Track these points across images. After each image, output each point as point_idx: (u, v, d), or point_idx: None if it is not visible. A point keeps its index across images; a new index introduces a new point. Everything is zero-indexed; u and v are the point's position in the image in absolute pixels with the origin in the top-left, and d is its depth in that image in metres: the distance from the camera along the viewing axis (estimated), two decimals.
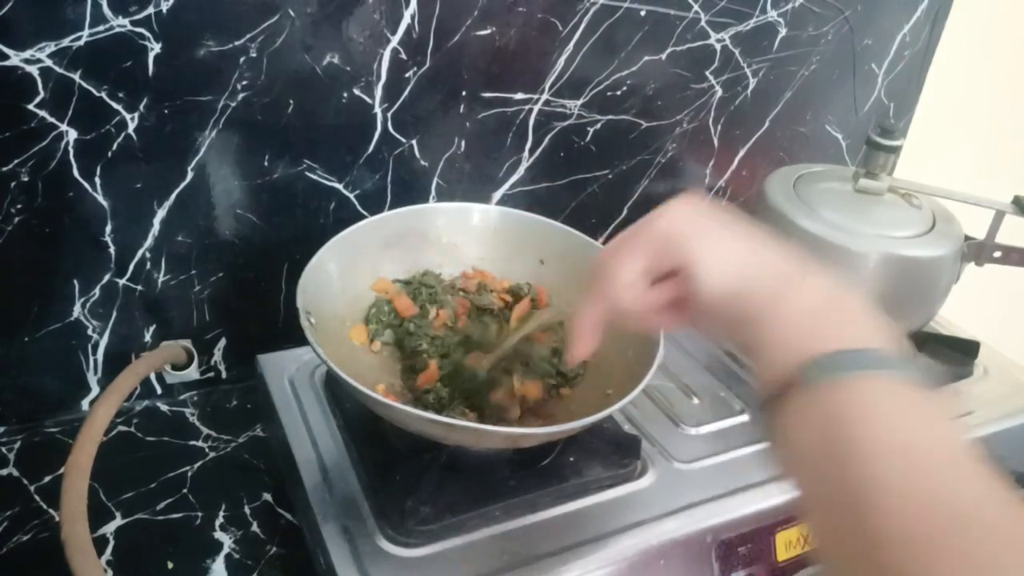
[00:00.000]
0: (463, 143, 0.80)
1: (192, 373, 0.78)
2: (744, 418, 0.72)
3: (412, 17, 0.71)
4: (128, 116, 0.65)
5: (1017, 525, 0.31)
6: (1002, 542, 0.30)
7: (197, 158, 0.69)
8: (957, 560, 0.30)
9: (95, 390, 0.76)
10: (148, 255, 0.71)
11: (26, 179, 0.64)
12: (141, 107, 0.65)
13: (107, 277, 0.71)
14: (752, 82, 0.92)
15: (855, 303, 0.41)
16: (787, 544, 0.64)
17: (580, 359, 0.51)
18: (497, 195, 0.85)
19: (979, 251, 0.77)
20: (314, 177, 0.75)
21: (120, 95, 0.64)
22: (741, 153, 0.98)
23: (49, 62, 0.60)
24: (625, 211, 0.94)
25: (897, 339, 0.39)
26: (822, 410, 0.36)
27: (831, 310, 0.40)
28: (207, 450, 0.73)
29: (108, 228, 0.69)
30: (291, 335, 0.62)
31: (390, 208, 0.79)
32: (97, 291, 0.71)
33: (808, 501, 0.37)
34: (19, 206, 0.65)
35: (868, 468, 0.33)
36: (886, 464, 0.33)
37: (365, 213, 0.78)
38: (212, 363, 0.80)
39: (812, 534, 0.36)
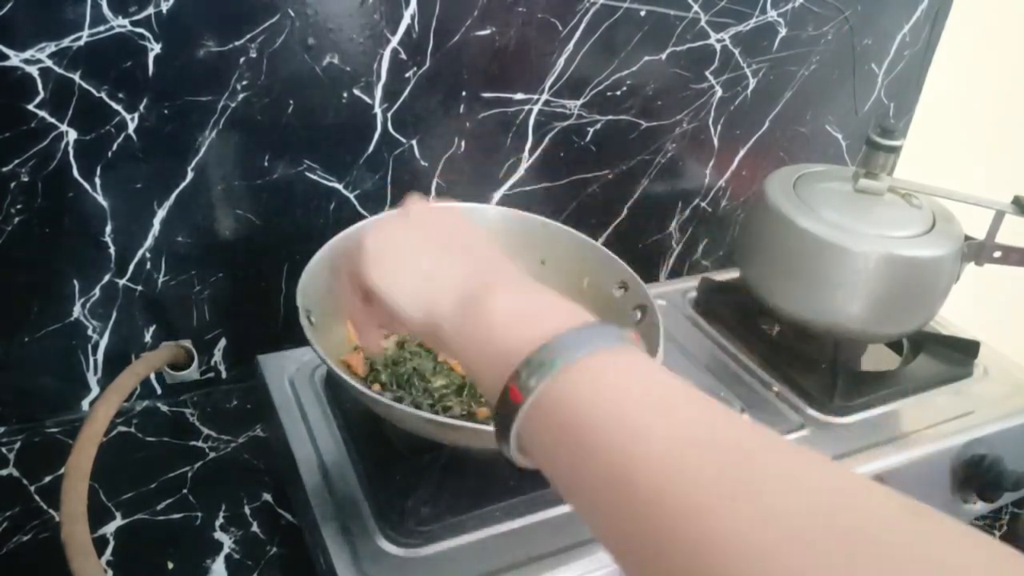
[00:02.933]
0: (463, 143, 0.80)
1: (192, 373, 0.78)
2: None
3: (412, 17, 0.71)
4: (128, 116, 0.65)
5: (788, 454, 0.29)
6: (764, 467, 0.28)
7: (197, 158, 0.69)
8: (734, 495, 0.27)
9: (95, 390, 0.76)
10: (148, 255, 0.71)
11: (26, 179, 0.64)
12: (141, 107, 0.65)
13: (107, 277, 0.71)
14: (752, 82, 0.92)
15: (549, 298, 0.39)
16: None
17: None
18: (497, 195, 0.85)
19: (979, 251, 0.77)
20: (314, 177, 0.75)
21: (120, 95, 0.64)
22: (741, 153, 0.98)
23: (49, 62, 0.60)
24: (625, 211, 0.94)
25: (585, 312, 0.37)
26: (556, 403, 0.33)
27: (525, 309, 0.38)
28: (207, 450, 0.73)
29: (108, 228, 0.69)
30: (291, 335, 0.62)
31: (390, 208, 0.79)
32: (97, 291, 0.71)
33: (582, 508, 0.34)
34: (19, 206, 0.65)
35: (621, 431, 0.31)
36: (641, 420, 0.31)
37: (365, 213, 0.78)
38: (212, 363, 0.80)
39: (593, 530, 0.33)
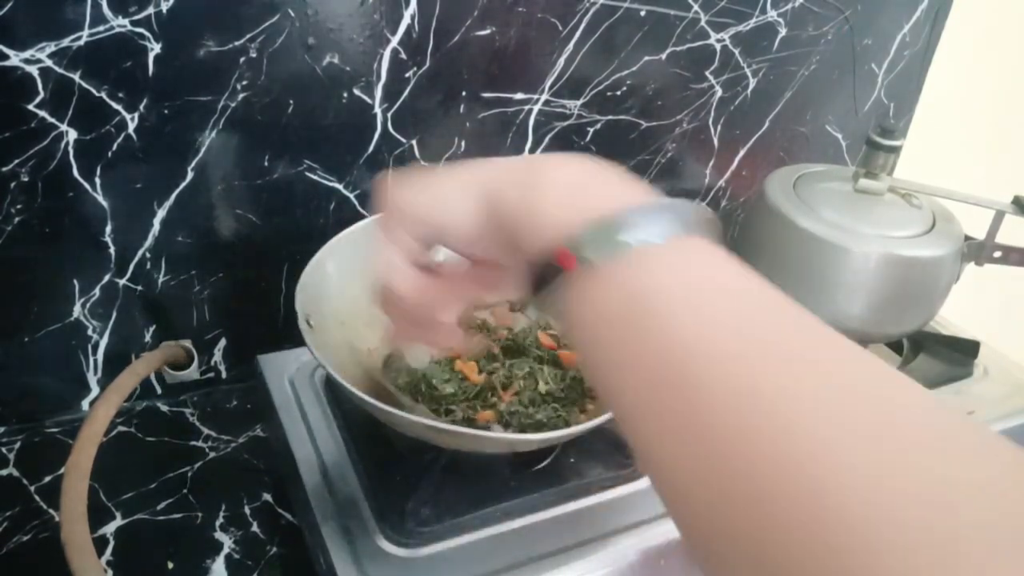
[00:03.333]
0: (463, 143, 0.80)
1: (192, 373, 0.78)
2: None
3: (412, 17, 0.71)
4: (128, 116, 0.65)
5: (853, 358, 0.26)
6: (845, 373, 0.26)
7: (197, 158, 0.69)
8: (806, 401, 0.25)
9: (95, 390, 0.76)
10: (148, 255, 0.71)
11: (26, 179, 0.64)
12: (141, 107, 0.65)
13: (107, 277, 0.71)
14: (752, 82, 0.92)
15: (618, 173, 0.35)
16: None
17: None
18: None
19: (979, 251, 0.77)
20: (314, 177, 0.75)
21: (120, 95, 0.64)
22: (741, 153, 0.98)
23: (49, 62, 0.60)
24: None
25: (660, 195, 0.33)
26: (608, 283, 0.30)
27: (592, 180, 0.35)
28: (207, 450, 0.73)
29: (108, 228, 0.69)
30: (291, 335, 0.62)
31: None
32: (97, 291, 0.71)
33: (612, 387, 0.30)
34: (19, 206, 0.65)
35: (678, 343, 0.27)
36: (699, 337, 0.27)
37: (365, 213, 0.78)
38: (212, 363, 0.80)
39: (623, 424, 0.29)
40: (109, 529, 0.64)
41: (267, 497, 0.69)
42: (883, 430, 0.23)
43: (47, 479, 0.68)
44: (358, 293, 0.69)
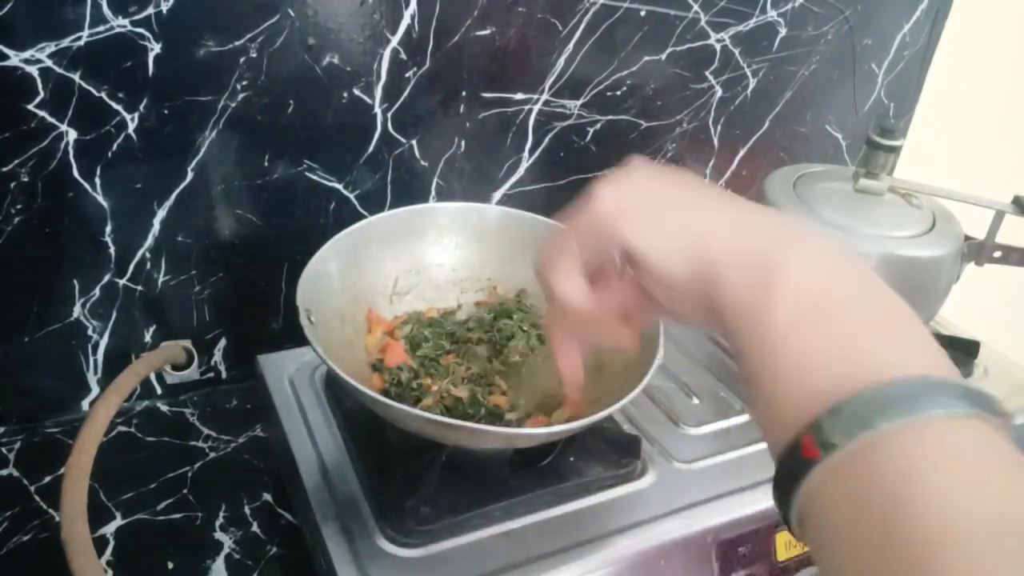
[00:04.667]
0: (463, 143, 0.80)
1: (192, 373, 0.78)
2: (744, 418, 0.72)
3: (412, 17, 0.71)
4: (128, 116, 0.65)
5: None
6: None
7: (197, 158, 0.69)
8: None
9: (95, 390, 0.76)
10: (148, 255, 0.71)
11: (26, 179, 0.64)
12: (141, 107, 0.65)
13: (107, 277, 0.71)
14: (752, 82, 0.92)
15: (873, 287, 0.28)
16: (787, 544, 0.64)
17: (576, 387, 0.45)
18: (497, 195, 0.85)
19: (979, 251, 0.77)
20: (314, 177, 0.75)
21: (120, 95, 0.64)
22: (741, 153, 0.98)
23: (49, 62, 0.60)
24: None
25: (939, 348, 0.27)
26: (874, 476, 0.24)
27: (846, 304, 0.28)
28: (207, 450, 0.73)
29: (108, 228, 0.69)
30: (291, 335, 0.62)
31: (390, 208, 0.79)
32: (97, 291, 0.71)
33: None
34: (19, 206, 0.65)
35: (943, 552, 0.22)
36: (972, 541, 0.22)
37: (365, 213, 0.78)
38: (212, 363, 0.80)
39: None
40: (109, 529, 0.64)
41: (267, 497, 0.69)
42: None
43: (47, 479, 0.68)
44: (358, 293, 0.69)
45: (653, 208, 0.34)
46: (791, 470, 0.26)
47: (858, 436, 0.25)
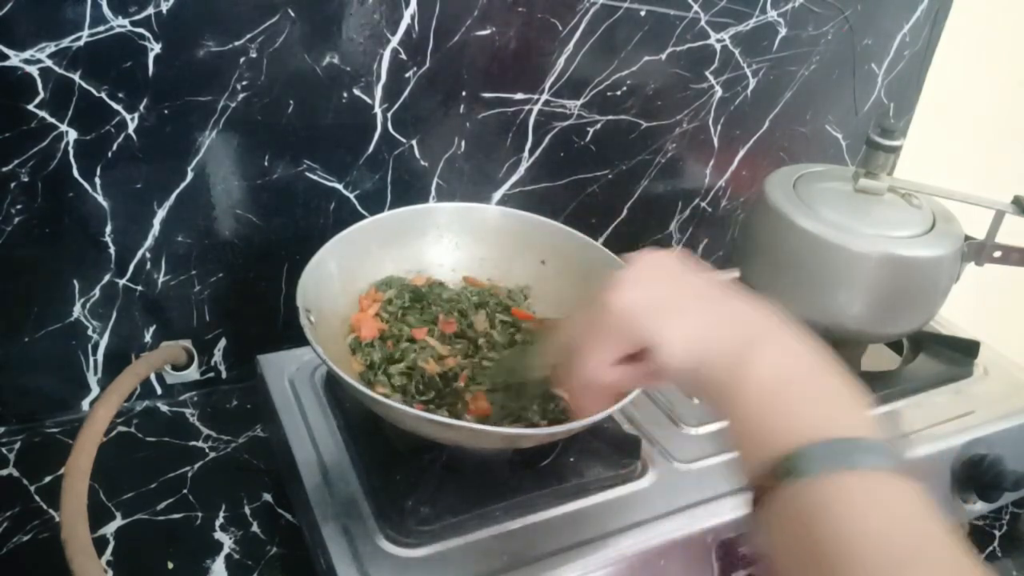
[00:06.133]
0: (463, 143, 0.80)
1: (192, 373, 0.78)
2: None
3: (412, 17, 0.71)
4: (128, 116, 0.65)
5: None
6: None
7: (197, 158, 0.69)
8: None
9: (95, 390, 0.76)
10: (148, 255, 0.71)
11: (26, 179, 0.64)
12: (141, 107, 0.65)
13: (107, 277, 0.71)
14: (752, 82, 0.92)
15: (818, 369, 0.40)
16: None
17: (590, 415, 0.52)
18: (497, 195, 0.85)
19: (979, 251, 0.77)
20: (314, 177, 0.75)
21: (120, 95, 0.64)
22: (741, 153, 0.98)
23: (49, 62, 0.60)
24: (625, 211, 0.94)
25: (866, 407, 0.38)
26: (801, 510, 0.35)
27: (793, 386, 0.39)
28: (207, 450, 0.73)
29: (108, 228, 0.69)
30: (291, 335, 0.62)
31: (390, 208, 0.79)
32: (97, 291, 0.71)
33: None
34: (19, 206, 0.65)
35: (856, 566, 0.32)
36: (876, 563, 0.32)
37: (365, 213, 0.78)
38: (212, 363, 0.80)
39: None
40: (109, 529, 0.64)
41: (267, 497, 0.69)
42: None
43: (47, 479, 0.68)
44: (358, 292, 0.69)
45: (671, 305, 0.44)
46: (760, 490, 0.37)
47: (808, 475, 0.35)
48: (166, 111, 0.66)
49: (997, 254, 0.78)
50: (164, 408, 0.78)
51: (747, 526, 0.39)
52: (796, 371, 0.40)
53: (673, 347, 0.42)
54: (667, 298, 0.44)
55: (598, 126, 0.86)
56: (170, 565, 0.62)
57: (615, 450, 0.65)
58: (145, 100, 0.65)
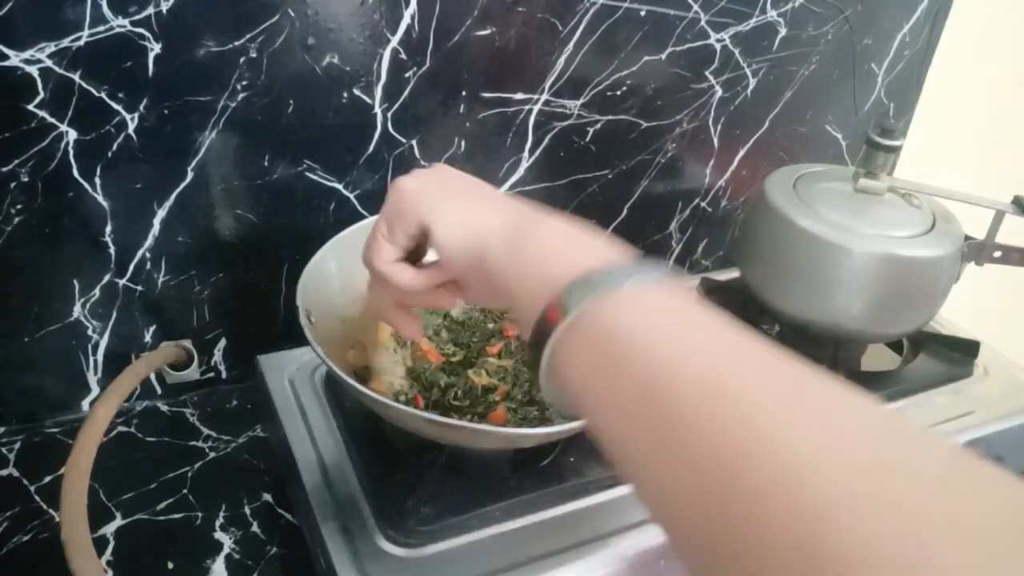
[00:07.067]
0: (463, 143, 0.80)
1: (192, 373, 0.78)
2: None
3: (412, 17, 0.71)
4: (128, 116, 0.65)
5: (810, 394, 0.29)
6: (795, 411, 0.28)
7: (197, 158, 0.69)
8: (768, 394, 0.28)
9: (95, 390, 0.76)
10: (148, 255, 0.71)
11: (26, 179, 0.64)
12: (141, 107, 0.65)
13: (107, 277, 0.71)
14: (752, 82, 0.92)
15: (593, 234, 0.40)
16: None
17: (414, 336, 0.54)
18: None
19: (979, 251, 0.77)
20: (314, 177, 0.75)
21: (120, 95, 0.64)
22: (741, 153, 0.98)
23: (49, 62, 0.60)
24: (625, 211, 0.94)
25: (633, 253, 0.38)
26: (595, 325, 0.33)
27: (570, 241, 0.39)
28: (207, 450, 0.73)
29: (108, 228, 0.69)
30: (291, 335, 0.62)
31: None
32: (97, 291, 0.71)
33: (604, 422, 0.33)
34: (19, 206, 0.65)
35: (654, 367, 0.30)
36: (672, 359, 0.30)
37: (365, 213, 0.78)
38: (212, 363, 0.80)
39: (619, 465, 0.32)
40: (109, 529, 0.64)
41: (267, 497, 0.69)
42: (832, 421, 0.27)
43: (47, 479, 0.68)
44: (358, 292, 0.69)
45: (444, 195, 0.46)
46: (541, 333, 0.36)
47: (585, 298, 0.34)
48: (166, 111, 0.66)
49: (997, 254, 0.78)
50: (164, 408, 0.78)
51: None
52: (573, 233, 0.40)
53: (452, 229, 0.43)
54: (448, 188, 0.47)
55: (598, 126, 0.86)
56: (170, 565, 0.62)
57: None
58: (145, 100, 0.65)
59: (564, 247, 0.39)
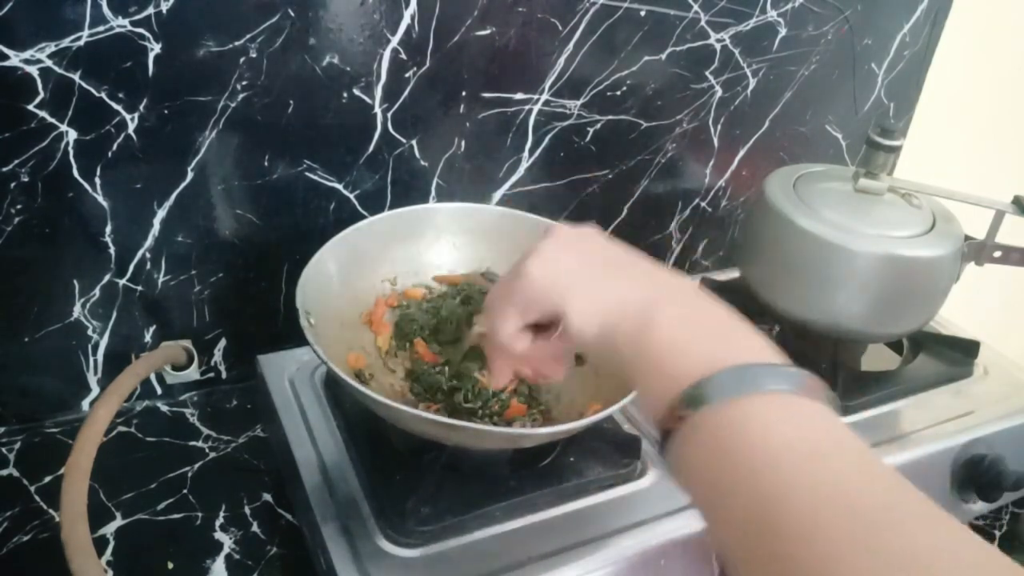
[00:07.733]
0: (463, 143, 0.80)
1: (192, 373, 0.78)
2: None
3: (412, 17, 0.71)
4: (128, 116, 0.65)
5: (930, 526, 0.30)
6: (912, 539, 0.29)
7: (197, 158, 0.69)
8: (868, 557, 0.29)
9: (95, 390, 0.76)
10: (148, 255, 0.71)
11: (26, 179, 0.64)
12: (141, 107, 0.65)
13: (107, 277, 0.71)
14: (752, 82, 0.92)
15: (722, 317, 0.41)
16: None
17: (498, 385, 0.57)
18: (497, 195, 0.85)
19: (979, 251, 0.77)
20: (314, 177, 0.75)
21: (120, 95, 0.64)
22: (741, 153, 0.98)
23: (49, 62, 0.60)
24: (625, 211, 0.94)
25: (771, 346, 0.39)
26: (714, 432, 0.35)
27: (698, 329, 0.40)
28: (207, 450, 0.73)
29: (108, 228, 0.69)
30: (291, 335, 0.62)
31: (390, 208, 0.79)
32: (97, 291, 0.71)
33: (717, 525, 0.36)
34: (19, 206, 0.65)
35: (770, 476, 0.32)
36: (790, 468, 0.32)
37: (365, 213, 0.78)
38: (212, 363, 0.80)
39: (726, 559, 0.35)
40: (109, 529, 0.64)
41: (267, 497, 0.69)
42: None
43: (47, 479, 0.68)
44: (358, 293, 0.69)
45: (578, 276, 0.45)
46: (667, 427, 0.37)
47: (699, 409, 0.35)
48: (166, 111, 0.66)
49: (997, 254, 0.78)
50: (164, 408, 0.78)
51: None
52: (698, 319, 0.41)
53: (582, 316, 0.43)
54: (578, 269, 0.46)
55: (598, 126, 0.86)
56: (170, 565, 0.62)
57: (615, 450, 0.65)
58: (145, 100, 0.65)
59: (680, 342, 0.39)
